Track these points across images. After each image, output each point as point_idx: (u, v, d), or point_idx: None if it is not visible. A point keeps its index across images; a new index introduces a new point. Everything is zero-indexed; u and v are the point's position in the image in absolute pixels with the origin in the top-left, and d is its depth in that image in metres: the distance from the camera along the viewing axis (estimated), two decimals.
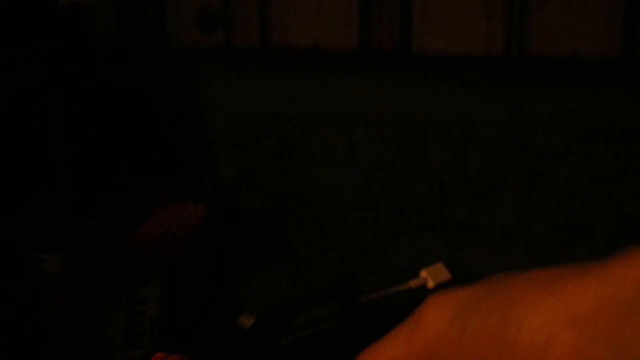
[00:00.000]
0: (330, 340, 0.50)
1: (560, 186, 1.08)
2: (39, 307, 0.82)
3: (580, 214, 1.08)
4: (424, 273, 1.06)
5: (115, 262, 0.82)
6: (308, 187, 1.10)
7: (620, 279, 0.36)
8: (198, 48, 1.12)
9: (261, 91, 1.12)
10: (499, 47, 1.07)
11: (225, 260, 0.99)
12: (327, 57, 1.10)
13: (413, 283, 1.04)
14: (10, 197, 0.94)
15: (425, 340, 0.43)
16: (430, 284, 1.04)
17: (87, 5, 1.11)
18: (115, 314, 0.81)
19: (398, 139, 1.10)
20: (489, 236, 1.10)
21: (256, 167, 1.14)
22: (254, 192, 1.14)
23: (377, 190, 1.12)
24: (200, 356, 0.69)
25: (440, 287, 0.82)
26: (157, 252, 0.84)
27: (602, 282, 0.37)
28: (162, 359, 0.65)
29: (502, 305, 0.39)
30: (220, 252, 0.97)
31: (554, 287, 0.38)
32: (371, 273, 1.11)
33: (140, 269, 0.81)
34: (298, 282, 1.08)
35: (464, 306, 0.41)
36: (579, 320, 0.37)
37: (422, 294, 1.03)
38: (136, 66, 1.11)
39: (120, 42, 1.13)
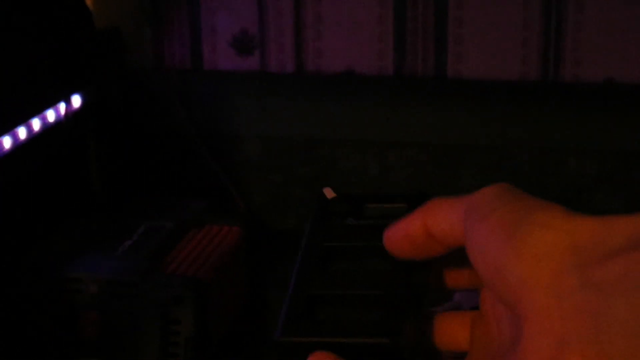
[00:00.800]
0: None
1: (594, 212, 1.08)
2: (73, 327, 0.83)
3: None
4: (457, 296, 1.05)
5: (149, 283, 0.82)
6: None
7: (610, 226, 0.39)
8: (234, 71, 1.13)
9: (295, 115, 1.13)
10: (534, 72, 1.07)
11: (258, 282, 0.99)
12: (362, 81, 1.10)
13: (447, 306, 1.04)
14: (48, 218, 0.94)
15: (436, 226, 0.47)
16: (465, 308, 1.04)
17: (124, 27, 1.12)
18: (150, 334, 0.81)
19: (431, 162, 1.10)
20: None
21: (290, 190, 1.14)
22: (288, 214, 1.14)
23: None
24: None
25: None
26: (191, 273, 0.85)
27: (595, 223, 0.40)
28: None
29: (513, 217, 0.42)
30: (253, 274, 0.97)
31: (559, 214, 0.41)
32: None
33: (174, 290, 0.81)
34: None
35: (471, 213, 0.44)
36: (562, 252, 0.39)
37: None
38: (172, 88, 1.11)
39: (156, 64, 1.14)
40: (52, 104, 0.95)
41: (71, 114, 0.97)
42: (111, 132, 1.09)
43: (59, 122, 0.96)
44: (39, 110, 0.92)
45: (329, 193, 0.55)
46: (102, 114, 1.06)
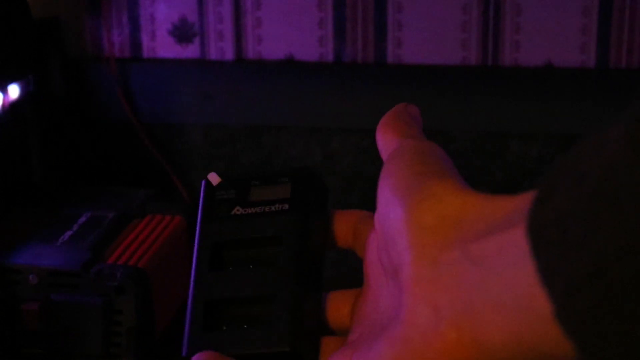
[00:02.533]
0: (274, 223, 0.53)
1: None
2: (15, 318, 0.82)
3: None
4: None
5: (91, 273, 0.82)
6: None
7: (494, 203, 0.41)
8: (174, 59, 1.12)
9: (238, 102, 1.12)
10: (474, 57, 1.07)
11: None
12: (303, 68, 1.10)
13: None
14: None
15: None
16: None
17: (63, 16, 1.11)
18: (92, 324, 0.81)
19: (374, 148, 1.11)
20: None
21: None
22: None
23: (355, 200, 1.12)
24: None
25: None
26: (133, 263, 0.84)
27: (483, 200, 0.42)
28: None
29: (410, 182, 0.44)
30: None
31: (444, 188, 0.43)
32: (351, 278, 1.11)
33: (116, 280, 0.81)
34: None
35: (387, 163, 0.49)
36: (447, 225, 0.41)
37: None
38: (113, 78, 1.11)
39: (96, 54, 1.13)
40: None
41: (8, 104, 0.97)
42: (52, 122, 1.08)
43: None
44: None
45: (214, 179, 0.55)
46: (42, 104, 1.05)
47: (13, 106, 0.97)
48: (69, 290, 0.82)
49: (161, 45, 1.12)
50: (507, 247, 0.39)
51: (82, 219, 0.92)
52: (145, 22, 1.12)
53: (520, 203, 0.39)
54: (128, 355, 0.80)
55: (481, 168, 1.09)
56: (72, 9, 1.12)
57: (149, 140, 1.10)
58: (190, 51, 1.12)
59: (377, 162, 1.12)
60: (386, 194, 0.46)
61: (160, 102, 1.14)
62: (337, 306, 0.52)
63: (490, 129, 1.08)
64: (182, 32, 1.11)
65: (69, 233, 0.89)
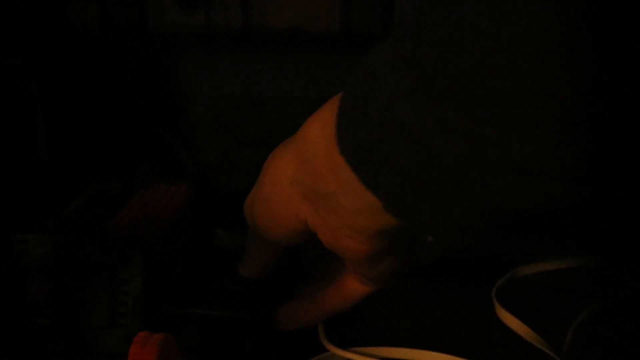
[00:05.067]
0: None
1: None
2: (20, 289, 0.82)
3: None
4: None
5: (97, 243, 0.82)
6: None
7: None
8: (179, 30, 1.12)
9: (243, 73, 1.12)
10: None
11: (206, 242, 0.99)
12: (310, 38, 1.09)
13: None
14: None
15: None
16: None
17: None
18: (98, 294, 0.81)
19: None
20: None
21: (239, 150, 1.14)
22: (236, 174, 1.14)
23: None
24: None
25: None
26: (138, 233, 0.84)
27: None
28: (145, 337, 0.65)
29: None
30: (201, 234, 0.97)
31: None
32: None
33: (122, 250, 0.81)
34: None
35: None
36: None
37: None
38: (117, 49, 1.10)
39: (99, 25, 1.12)
40: None
41: (14, 75, 0.96)
42: (56, 96, 1.08)
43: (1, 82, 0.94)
44: None
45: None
46: (46, 78, 1.05)
47: (18, 78, 0.97)
48: (75, 261, 0.82)
49: (167, 15, 1.12)
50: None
51: (88, 190, 0.92)
52: None
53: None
54: (135, 324, 0.80)
55: None
56: None
57: (154, 111, 1.10)
58: (196, 21, 1.11)
59: None
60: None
61: (166, 72, 1.13)
62: None
63: None
64: (188, 2, 1.11)
65: (75, 204, 0.89)
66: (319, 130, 0.66)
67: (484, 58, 0.48)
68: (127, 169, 0.98)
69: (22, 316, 0.83)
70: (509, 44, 0.47)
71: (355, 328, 0.86)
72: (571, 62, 0.47)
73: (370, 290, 0.79)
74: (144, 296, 0.80)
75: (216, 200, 1.08)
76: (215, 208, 1.04)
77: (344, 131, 0.62)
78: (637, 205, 0.58)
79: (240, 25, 1.10)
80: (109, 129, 1.15)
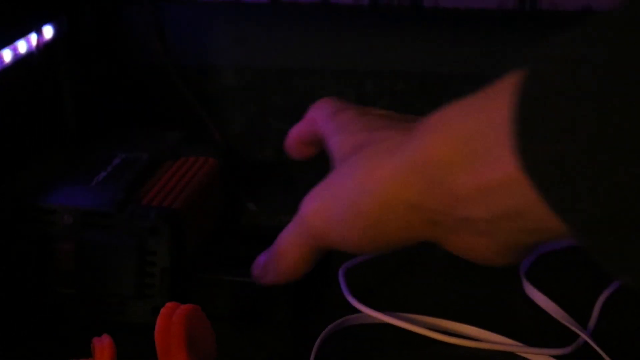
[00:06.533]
0: None
1: None
2: (48, 259, 0.83)
3: None
4: None
5: (125, 214, 0.82)
6: None
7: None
8: (207, 1, 1.11)
9: (271, 45, 1.12)
10: (511, 1, 1.06)
11: (234, 214, 0.99)
12: (337, 10, 1.09)
13: None
14: (20, 151, 0.94)
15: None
16: None
17: None
18: (125, 265, 0.81)
19: (409, 92, 1.10)
20: None
21: (266, 121, 1.14)
22: (264, 145, 1.14)
23: None
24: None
25: None
26: (166, 204, 0.84)
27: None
28: (172, 309, 0.65)
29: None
30: (229, 205, 0.97)
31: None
32: None
33: (150, 221, 0.81)
34: None
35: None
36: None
37: None
38: (146, 19, 1.10)
39: None
40: (23, 34, 0.93)
41: (43, 45, 0.96)
42: (85, 64, 1.08)
43: (30, 53, 0.94)
44: (9, 41, 0.91)
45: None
46: (75, 46, 1.05)
47: (47, 47, 0.97)
48: (103, 230, 0.82)
49: None
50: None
51: (116, 161, 0.92)
52: None
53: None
54: (162, 295, 0.80)
55: None
56: None
57: (182, 82, 1.09)
58: None
59: (410, 105, 1.11)
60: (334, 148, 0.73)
61: (194, 43, 1.13)
62: None
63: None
64: None
65: (103, 174, 0.89)
66: (456, 141, 0.53)
67: None
68: (155, 139, 0.97)
69: (49, 286, 0.83)
70: None
71: (385, 297, 0.86)
72: None
73: None
74: (171, 267, 0.80)
75: (244, 172, 1.08)
76: (244, 180, 1.04)
77: (529, 141, 0.45)
78: None
79: None
80: (137, 99, 1.15)
